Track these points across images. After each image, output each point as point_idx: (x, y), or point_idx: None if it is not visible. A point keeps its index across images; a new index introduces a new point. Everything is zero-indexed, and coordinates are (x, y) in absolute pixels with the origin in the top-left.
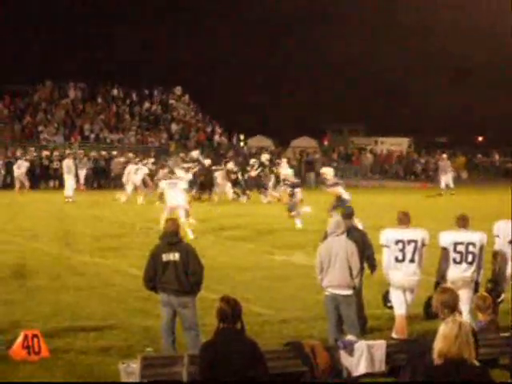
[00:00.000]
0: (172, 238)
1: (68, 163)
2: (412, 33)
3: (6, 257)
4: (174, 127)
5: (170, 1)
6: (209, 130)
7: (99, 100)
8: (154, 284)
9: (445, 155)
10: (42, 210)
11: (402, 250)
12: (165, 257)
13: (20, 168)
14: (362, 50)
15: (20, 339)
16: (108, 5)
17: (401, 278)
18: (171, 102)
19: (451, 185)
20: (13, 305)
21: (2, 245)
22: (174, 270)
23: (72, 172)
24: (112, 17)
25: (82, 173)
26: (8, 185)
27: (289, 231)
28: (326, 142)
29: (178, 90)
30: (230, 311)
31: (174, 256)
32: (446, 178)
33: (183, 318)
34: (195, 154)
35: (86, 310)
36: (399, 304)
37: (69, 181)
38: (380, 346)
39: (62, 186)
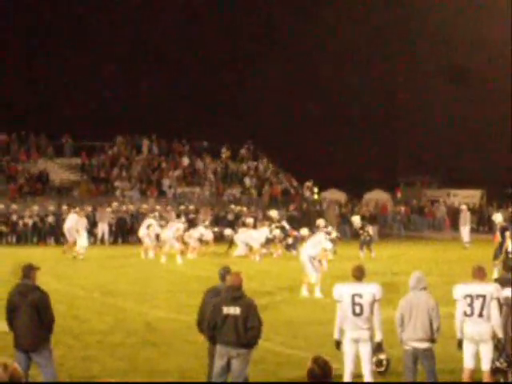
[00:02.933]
0: (235, 292)
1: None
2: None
3: (83, 312)
4: (247, 181)
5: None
6: (282, 183)
7: (173, 154)
8: (215, 333)
9: (464, 206)
10: (120, 265)
11: (471, 305)
12: (226, 310)
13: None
14: (435, 102)
15: None
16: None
17: (470, 332)
18: (243, 154)
19: (466, 238)
20: (90, 360)
21: (79, 300)
22: (234, 323)
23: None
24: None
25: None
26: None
27: None
28: (398, 195)
29: (250, 143)
30: (321, 372)
31: (235, 310)
32: (464, 231)
33: (233, 367)
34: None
35: (163, 365)
36: (468, 358)
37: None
38: None
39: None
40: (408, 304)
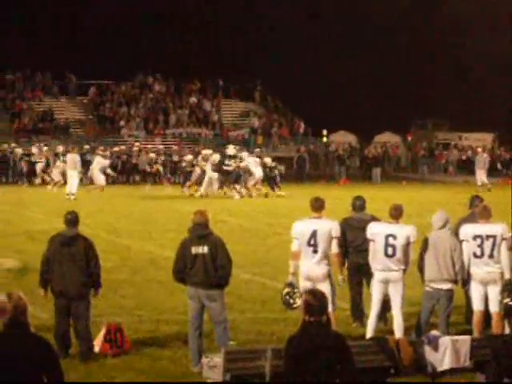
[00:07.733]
0: (201, 230)
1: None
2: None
3: None
4: (255, 122)
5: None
6: (292, 125)
7: (181, 94)
8: (183, 276)
9: (480, 149)
10: (125, 204)
11: (481, 246)
12: (194, 250)
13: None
14: (449, 45)
15: (103, 332)
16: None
17: (480, 273)
18: (254, 95)
19: (485, 180)
20: (96, 298)
21: None
22: (203, 262)
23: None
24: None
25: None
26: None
27: None
28: (409, 137)
29: (260, 84)
30: (317, 304)
31: (203, 249)
32: (480, 174)
33: (211, 311)
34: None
35: (169, 303)
36: (478, 300)
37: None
38: (464, 341)
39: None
40: (432, 244)
